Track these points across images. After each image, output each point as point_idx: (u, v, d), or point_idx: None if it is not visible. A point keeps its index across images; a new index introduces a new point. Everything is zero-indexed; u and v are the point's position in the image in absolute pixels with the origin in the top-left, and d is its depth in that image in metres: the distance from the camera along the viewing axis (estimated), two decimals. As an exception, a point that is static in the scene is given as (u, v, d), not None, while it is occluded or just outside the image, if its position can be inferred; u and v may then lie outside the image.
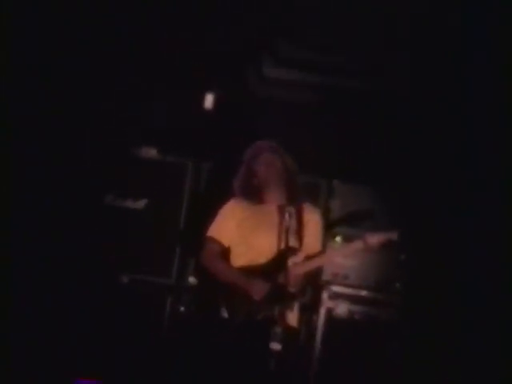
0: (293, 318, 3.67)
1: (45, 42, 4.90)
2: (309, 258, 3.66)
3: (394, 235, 3.64)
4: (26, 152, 4.85)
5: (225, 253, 3.93)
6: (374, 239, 3.61)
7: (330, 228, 4.64)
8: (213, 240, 3.86)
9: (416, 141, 5.14)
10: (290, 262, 3.53)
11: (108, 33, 5.06)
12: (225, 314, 3.66)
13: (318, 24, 4.95)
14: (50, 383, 4.55)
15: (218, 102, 5.04)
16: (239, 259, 3.78)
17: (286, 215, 3.55)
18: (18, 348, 4.68)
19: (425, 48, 5.13)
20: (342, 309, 4.63)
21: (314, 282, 4.63)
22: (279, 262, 3.57)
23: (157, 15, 4.92)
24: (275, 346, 3.35)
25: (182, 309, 4.70)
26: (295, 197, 3.77)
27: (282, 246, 3.60)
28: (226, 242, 3.84)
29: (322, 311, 4.66)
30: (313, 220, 3.81)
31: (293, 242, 3.61)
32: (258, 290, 3.59)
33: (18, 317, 4.79)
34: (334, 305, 4.63)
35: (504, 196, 4.55)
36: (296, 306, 3.73)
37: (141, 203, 4.78)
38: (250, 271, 3.67)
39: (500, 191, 4.63)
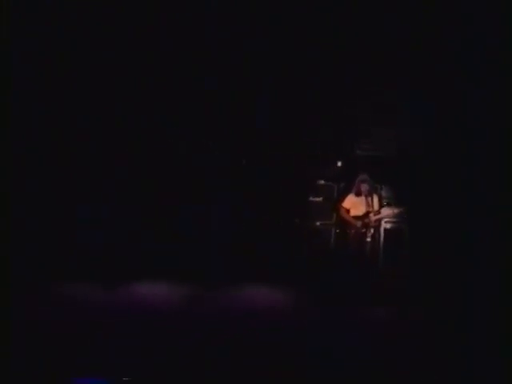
0: (372, 230, 12.18)
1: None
2: (375, 214, 12.02)
3: (403, 210, 12.09)
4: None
5: (347, 211, 11.63)
6: (396, 211, 12.10)
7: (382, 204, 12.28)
8: (344, 207, 11.58)
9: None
10: (370, 215, 11.92)
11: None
12: (348, 231, 12.04)
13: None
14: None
15: (343, 163, 12.90)
16: (352, 214, 11.71)
17: (369, 199, 11.89)
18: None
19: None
20: (387, 226, 13.01)
21: (380, 219, 12.52)
22: (366, 215, 11.69)
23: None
24: (368, 238, 11.97)
25: (337, 231, 12.15)
26: (372, 193, 12.00)
27: (367, 210, 11.95)
28: (348, 207, 11.48)
29: (382, 228, 12.04)
30: (376, 201, 12.14)
31: (370, 209, 11.95)
32: (358, 223, 11.66)
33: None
34: (386, 225, 12.93)
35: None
36: (372, 228, 12.19)
37: (320, 199, 12.72)
38: (356, 218, 11.59)
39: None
